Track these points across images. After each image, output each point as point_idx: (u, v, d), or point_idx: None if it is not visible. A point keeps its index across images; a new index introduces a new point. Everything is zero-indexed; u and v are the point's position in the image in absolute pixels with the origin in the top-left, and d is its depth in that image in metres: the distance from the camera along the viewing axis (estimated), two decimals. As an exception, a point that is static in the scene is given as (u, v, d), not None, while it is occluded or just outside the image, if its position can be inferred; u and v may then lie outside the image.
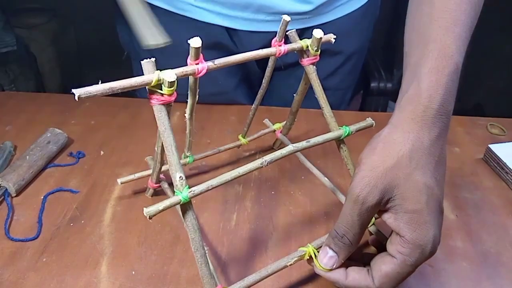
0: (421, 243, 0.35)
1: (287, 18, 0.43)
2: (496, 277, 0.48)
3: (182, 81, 0.37)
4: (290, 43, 0.45)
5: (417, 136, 0.36)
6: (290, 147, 0.41)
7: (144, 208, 0.34)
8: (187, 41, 0.36)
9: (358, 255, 0.42)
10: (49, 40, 1.71)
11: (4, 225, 0.51)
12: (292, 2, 0.67)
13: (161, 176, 0.53)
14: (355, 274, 0.38)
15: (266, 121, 0.63)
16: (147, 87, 0.35)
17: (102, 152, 0.65)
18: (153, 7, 0.69)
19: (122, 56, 0.85)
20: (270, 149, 0.67)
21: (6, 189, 0.55)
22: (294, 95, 0.54)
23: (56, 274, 0.46)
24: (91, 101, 0.76)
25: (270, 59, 0.50)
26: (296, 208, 0.56)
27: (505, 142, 0.66)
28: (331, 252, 0.39)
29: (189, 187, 0.36)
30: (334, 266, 0.39)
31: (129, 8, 0.42)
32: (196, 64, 0.37)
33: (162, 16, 0.69)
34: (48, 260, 0.48)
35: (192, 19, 0.69)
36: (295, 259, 0.41)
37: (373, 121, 0.47)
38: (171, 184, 0.53)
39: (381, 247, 0.41)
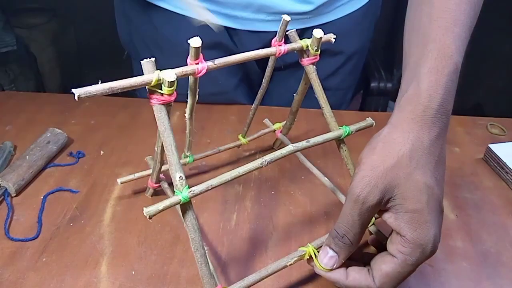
0: (421, 242, 0.35)
1: (287, 18, 0.43)
2: (496, 277, 0.48)
3: (182, 81, 0.37)
4: (290, 43, 0.45)
5: (417, 136, 0.36)
6: (290, 147, 0.41)
7: (144, 208, 0.34)
8: (187, 41, 0.36)
9: (358, 255, 0.42)
10: (49, 40, 1.71)
11: (4, 225, 0.51)
12: (293, 2, 0.67)
13: (161, 176, 0.53)
14: (356, 274, 0.39)
15: (266, 121, 0.63)
16: (147, 87, 0.35)
17: (102, 152, 0.65)
18: (153, 7, 0.70)
19: (122, 56, 0.85)
20: (270, 149, 0.67)
21: (6, 189, 0.55)
22: (294, 95, 0.54)
23: (56, 274, 0.46)
24: (91, 101, 0.76)
25: (270, 59, 0.50)
26: (296, 208, 0.56)
27: (505, 142, 0.66)
28: (331, 252, 0.39)
29: (189, 187, 0.36)
30: (334, 266, 0.39)
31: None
32: (196, 64, 0.37)
33: (162, 15, 0.70)
34: (48, 260, 0.48)
35: (192, 19, 0.68)
36: (295, 259, 0.41)
37: (373, 121, 0.47)
38: (171, 184, 0.53)
39: (381, 247, 0.41)
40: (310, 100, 0.54)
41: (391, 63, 1.35)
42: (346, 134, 0.45)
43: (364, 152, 0.38)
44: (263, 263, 0.48)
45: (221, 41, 0.72)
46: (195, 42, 0.36)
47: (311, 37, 0.44)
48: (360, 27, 0.77)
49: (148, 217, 0.34)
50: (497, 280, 0.47)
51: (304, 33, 0.71)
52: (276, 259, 0.41)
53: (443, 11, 0.41)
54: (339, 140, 0.46)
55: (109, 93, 0.33)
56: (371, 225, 0.45)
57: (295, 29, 0.45)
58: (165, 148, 0.36)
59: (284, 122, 0.60)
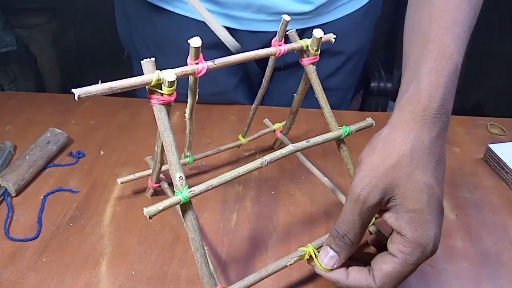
0: (422, 242, 0.35)
1: (287, 17, 0.43)
2: (496, 277, 0.48)
3: (182, 80, 0.37)
4: (290, 43, 0.45)
5: (417, 136, 0.36)
6: (290, 147, 0.41)
7: (144, 208, 0.34)
8: (187, 40, 0.36)
9: (358, 255, 0.42)
10: (49, 40, 1.71)
11: (4, 225, 0.51)
12: (293, 3, 0.67)
13: (161, 176, 0.53)
14: (356, 273, 0.38)
15: (266, 121, 0.63)
16: (147, 87, 0.35)
17: (102, 152, 0.65)
18: (153, 7, 0.70)
19: (122, 56, 0.85)
20: (270, 149, 0.67)
21: (6, 189, 0.55)
22: (294, 95, 0.54)
23: (56, 274, 0.46)
24: (91, 101, 0.76)
25: (270, 59, 0.50)
26: (296, 208, 0.56)
27: (505, 142, 0.66)
28: (332, 252, 0.39)
29: (189, 187, 0.36)
30: (335, 266, 0.39)
31: (212, 23, 0.45)
32: (196, 63, 0.37)
33: (162, 15, 0.70)
34: (48, 260, 0.48)
35: (192, 19, 0.69)
36: (295, 259, 0.41)
37: (373, 121, 0.46)
38: (171, 184, 0.53)
39: (381, 247, 0.41)
40: (310, 100, 0.54)
41: (391, 63, 1.35)
42: (346, 134, 0.45)
43: (364, 152, 0.38)
44: (263, 263, 0.48)
45: (221, 41, 0.72)
46: (195, 42, 0.36)
47: (311, 37, 0.44)
48: (360, 27, 0.77)
49: (148, 217, 0.34)
50: (497, 280, 0.47)
51: (304, 33, 0.71)
52: (276, 259, 0.41)
53: (443, 11, 0.41)
54: (339, 140, 0.46)
55: (109, 93, 0.33)
56: (371, 225, 0.45)
57: (295, 29, 0.45)
58: (165, 148, 0.36)
59: (284, 122, 0.60)
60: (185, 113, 0.46)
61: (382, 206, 0.37)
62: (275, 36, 0.44)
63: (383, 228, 0.44)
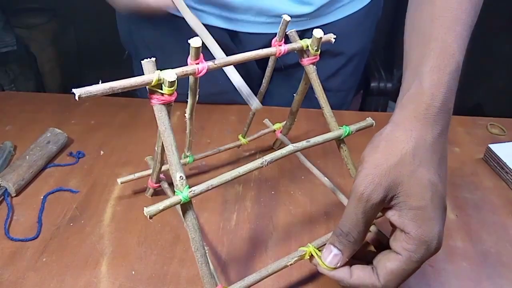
0: (426, 239, 0.35)
1: (287, 18, 0.43)
2: (496, 277, 0.48)
3: (182, 80, 0.37)
4: (291, 43, 0.45)
5: (420, 134, 0.36)
6: (290, 147, 0.41)
7: (145, 208, 0.34)
8: (187, 40, 0.36)
9: (361, 254, 0.42)
10: (49, 40, 1.71)
11: (4, 225, 0.51)
12: (293, 5, 0.67)
13: (161, 176, 0.53)
14: (360, 272, 0.38)
15: (266, 121, 0.63)
16: (147, 86, 0.35)
17: (102, 152, 0.65)
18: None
19: (122, 56, 0.85)
20: (270, 149, 0.67)
21: (6, 189, 0.55)
22: (294, 95, 0.54)
23: (56, 274, 0.46)
24: (91, 101, 0.76)
25: (270, 59, 0.50)
26: (296, 208, 0.56)
27: (505, 142, 0.66)
28: (335, 250, 0.39)
29: (189, 187, 0.36)
30: (338, 265, 0.39)
31: (235, 79, 0.46)
32: (197, 64, 0.37)
33: (163, 15, 0.70)
34: (48, 260, 0.48)
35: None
36: (295, 258, 0.41)
37: (373, 121, 0.46)
38: (171, 184, 0.53)
39: (381, 247, 0.41)
40: (310, 100, 0.54)
41: (391, 63, 1.35)
42: (346, 134, 0.45)
43: (367, 151, 0.38)
44: (263, 263, 0.48)
45: (221, 41, 0.72)
46: (196, 42, 0.36)
47: (311, 38, 0.44)
48: (361, 28, 0.77)
49: (148, 217, 0.34)
50: (497, 280, 0.47)
51: (304, 34, 0.71)
52: (276, 259, 0.41)
53: (445, 10, 0.41)
54: (339, 140, 0.46)
55: (110, 93, 0.33)
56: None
57: (295, 30, 0.45)
58: (165, 148, 0.36)
59: (284, 122, 0.60)
60: (185, 113, 0.46)
61: (385, 204, 0.37)
62: (275, 37, 0.44)
63: (383, 228, 0.44)
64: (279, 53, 0.43)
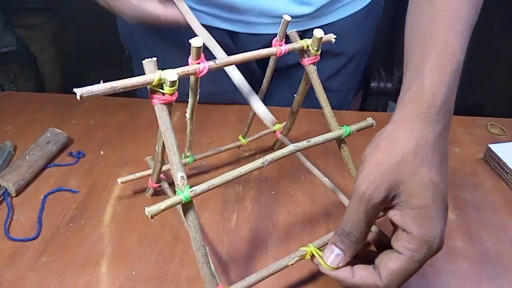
0: (428, 238, 0.35)
1: (287, 18, 0.43)
2: (496, 277, 0.48)
3: (182, 80, 0.37)
4: (291, 43, 0.45)
5: (421, 133, 0.36)
6: (291, 147, 0.41)
7: (146, 208, 0.34)
8: (188, 40, 0.36)
9: (362, 254, 0.42)
10: (49, 40, 1.71)
11: (4, 225, 0.51)
12: (293, 5, 0.67)
13: (161, 176, 0.53)
14: (362, 272, 0.38)
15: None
16: (148, 86, 0.35)
17: (102, 152, 0.65)
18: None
19: (122, 55, 0.85)
20: (270, 149, 0.67)
21: (6, 189, 0.55)
22: (295, 95, 0.54)
23: (56, 274, 0.46)
24: (91, 101, 0.76)
25: (270, 59, 0.50)
26: (296, 208, 0.56)
27: (505, 142, 0.66)
28: (337, 250, 0.39)
29: (190, 187, 0.36)
30: (340, 265, 0.39)
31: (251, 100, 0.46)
32: (198, 63, 0.37)
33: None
34: (48, 260, 0.48)
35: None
36: (296, 258, 0.40)
37: (373, 121, 0.46)
38: (171, 184, 0.53)
39: (382, 247, 0.41)
40: (310, 100, 0.54)
41: (391, 63, 1.35)
42: (347, 134, 0.45)
43: (368, 150, 0.38)
44: (263, 263, 0.48)
45: (222, 41, 0.72)
46: (197, 42, 0.36)
47: (311, 38, 0.44)
48: (361, 28, 0.77)
49: (150, 216, 0.34)
50: (497, 280, 0.47)
51: (304, 34, 0.71)
52: (276, 259, 0.41)
53: (445, 9, 0.41)
54: (339, 140, 0.46)
55: (111, 92, 0.33)
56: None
57: (295, 30, 0.45)
58: (166, 148, 0.36)
59: (285, 123, 0.60)
60: (185, 113, 0.46)
61: (387, 203, 0.37)
62: (276, 37, 0.44)
63: (383, 228, 0.44)
64: (280, 53, 0.43)
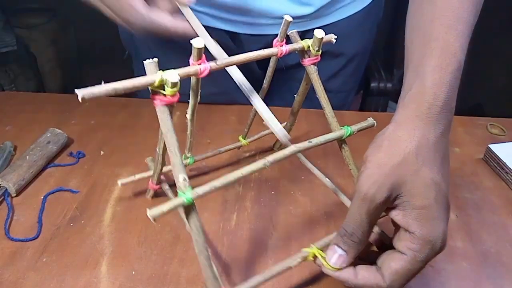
0: (431, 238, 0.35)
1: (288, 18, 0.43)
2: (496, 277, 0.48)
3: (182, 81, 0.37)
4: (292, 44, 0.45)
5: (423, 133, 0.36)
6: (292, 148, 0.41)
7: (148, 210, 0.33)
8: (189, 41, 0.36)
9: (364, 254, 0.42)
10: (49, 40, 1.71)
11: (4, 225, 0.51)
12: (293, 6, 0.67)
13: (162, 177, 0.53)
14: (365, 272, 0.38)
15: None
16: (149, 87, 0.35)
17: (102, 152, 0.65)
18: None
19: (122, 56, 0.85)
20: (270, 150, 0.67)
21: (6, 189, 0.55)
22: (295, 95, 0.54)
23: (56, 274, 0.46)
24: (91, 101, 0.74)
25: (271, 60, 0.50)
26: (296, 208, 0.56)
27: (505, 142, 0.66)
28: (340, 251, 0.39)
29: (192, 188, 0.35)
30: (343, 265, 0.39)
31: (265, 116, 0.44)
32: (199, 64, 0.37)
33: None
34: (48, 260, 0.48)
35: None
36: (299, 260, 0.40)
37: (374, 121, 0.46)
38: (172, 186, 0.53)
39: (384, 247, 0.41)
40: (311, 101, 0.54)
41: (391, 63, 1.35)
42: (347, 134, 0.45)
43: (370, 150, 0.38)
44: (263, 263, 0.48)
45: (223, 42, 0.72)
46: (198, 42, 0.36)
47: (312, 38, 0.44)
48: (361, 28, 0.77)
49: (152, 219, 0.33)
50: (497, 280, 0.47)
51: (304, 35, 0.70)
52: (276, 259, 0.41)
53: (446, 9, 0.41)
54: (340, 140, 0.46)
55: (112, 94, 0.33)
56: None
57: (296, 31, 0.45)
58: (168, 150, 0.36)
59: (285, 123, 0.60)
60: (186, 113, 0.46)
61: (389, 203, 0.37)
62: (276, 37, 0.44)
63: (384, 228, 0.44)
64: (281, 54, 0.44)
